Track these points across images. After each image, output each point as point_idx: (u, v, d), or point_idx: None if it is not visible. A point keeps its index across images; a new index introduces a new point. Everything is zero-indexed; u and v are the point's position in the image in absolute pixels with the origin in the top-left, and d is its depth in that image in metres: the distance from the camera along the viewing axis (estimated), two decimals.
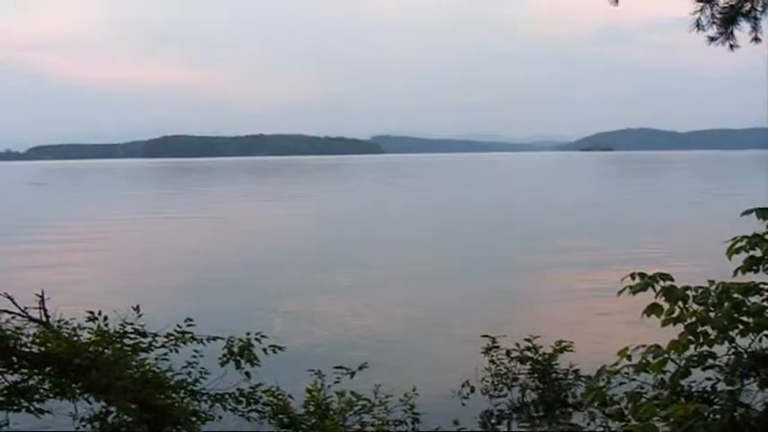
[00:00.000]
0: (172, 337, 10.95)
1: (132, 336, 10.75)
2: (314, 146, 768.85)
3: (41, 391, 10.62)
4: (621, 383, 7.92)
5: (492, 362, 18.89)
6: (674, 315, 7.98)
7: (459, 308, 29.32)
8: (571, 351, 18.44)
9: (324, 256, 45.69)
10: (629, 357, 7.82)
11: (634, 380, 7.88)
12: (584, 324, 25.45)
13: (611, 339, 20.15)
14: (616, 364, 7.83)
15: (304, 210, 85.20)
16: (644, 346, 7.89)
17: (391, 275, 37.80)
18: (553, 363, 18.39)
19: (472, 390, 18.83)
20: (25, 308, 10.77)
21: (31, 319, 10.76)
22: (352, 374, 14.18)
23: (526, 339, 18.70)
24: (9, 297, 10.89)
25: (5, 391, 10.50)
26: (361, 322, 27.12)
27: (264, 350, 11.64)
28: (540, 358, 18.46)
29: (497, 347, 18.92)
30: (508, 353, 18.74)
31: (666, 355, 7.69)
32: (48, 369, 10.45)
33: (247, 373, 11.46)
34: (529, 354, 18.57)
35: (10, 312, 10.69)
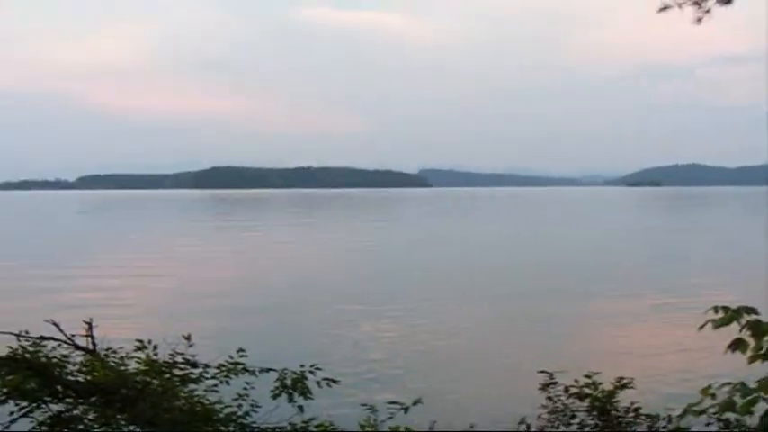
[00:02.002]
0: (223, 368, 10.49)
1: (182, 366, 10.32)
2: (362, 178, 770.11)
3: (86, 421, 10.26)
4: (708, 424, 7.39)
5: (549, 398, 18.24)
6: (763, 351, 7.43)
7: (514, 341, 28.87)
8: (632, 388, 17.79)
9: (377, 287, 45.45)
10: (713, 396, 7.28)
11: (719, 420, 7.34)
12: (644, 359, 24.84)
13: (673, 375, 19.50)
14: (700, 402, 7.29)
15: (356, 242, 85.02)
16: (729, 383, 7.35)
17: (446, 308, 37.43)
18: (613, 400, 17.74)
19: (528, 427, 18.18)
20: (72, 335, 10.47)
21: (78, 347, 10.48)
22: (406, 410, 13.63)
23: (585, 375, 18.05)
24: (56, 324, 10.61)
25: (49, 421, 10.16)
26: (416, 355, 26.74)
27: (318, 383, 11.16)
28: (599, 395, 17.81)
29: (555, 383, 18.30)
30: (566, 389, 18.10)
31: (757, 395, 7.13)
32: (93, 399, 10.11)
33: (300, 407, 10.97)
34: (588, 390, 17.93)
35: (56, 340, 10.41)
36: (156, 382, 9.98)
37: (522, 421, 18.43)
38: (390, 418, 13.62)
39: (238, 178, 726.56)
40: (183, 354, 10.36)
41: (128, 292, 44.56)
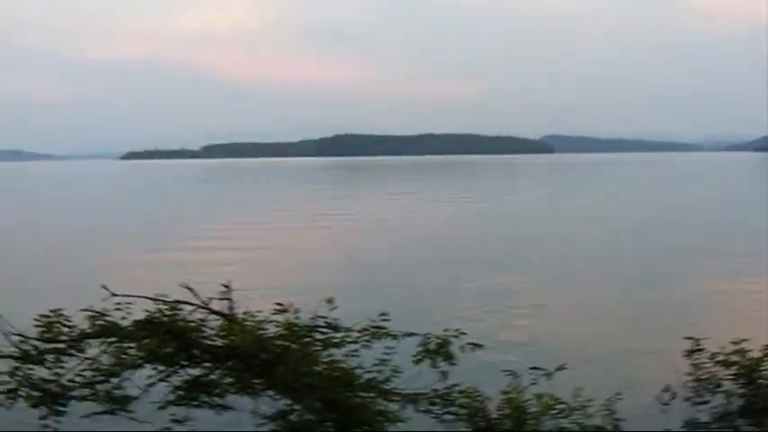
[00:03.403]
0: (366, 333, 10.14)
1: (323, 330, 10.01)
2: (483, 145, 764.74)
3: (223, 386, 10.12)
4: None
5: (694, 365, 17.49)
6: None
7: (658, 308, 28.13)
8: None
9: (515, 255, 44.87)
10: None
11: None
12: None
13: None
14: None
15: (487, 209, 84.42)
16: None
17: (587, 274, 36.84)
18: (761, 368, 16.89)
19: (674, 396, 17.45)
20: (209, 299, 10.24)
21: (214, 312, 10.26)
22: (550, 376, 13.09)
23: (732, 342, 17.24)
24: (190, 288, 10.43)
25: (185, 385, 10.10)
26: (557, 322, 26.27)
27: (462, 348, 10.69)
28: (746, 362, 17.00)
29: (701, 350, 17.53)
30: (712, 356, 17.33)
31: None
32: (230, 363, 9.96)
33: (443, 373, 10.53)
34: (734, 358, 17.13)
35: (192, 304, 10.23)
36: (295, 346, 9.70)
37: (666, 389, 17.74)
38: (533, 384, 13.13)
39: (361, 145, 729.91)
40: (324, 317, 10.05)
41: (263, 257, 44.90)
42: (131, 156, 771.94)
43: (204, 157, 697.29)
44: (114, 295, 10.35)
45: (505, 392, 12.60)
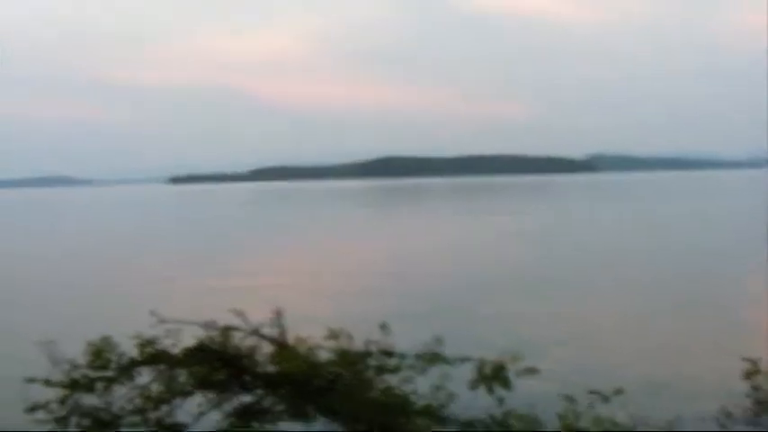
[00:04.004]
0: (420, 358, 9.94)
1: (377, 355, 9.85)
2: (526, 165, 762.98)
3: (275, 412, 9.97)
4: None
5: (754, 388, 17.14)
6: None
7: (717, 325, 27.63)
8: None
9: (569, 277, 44.37)
10: None
11: None
12: None
13: None
14: None
15: (541, 230, 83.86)
16: None
17: (643, 296, 36.29)
18: None
19: (733, 419, 17.13)
20: (260, 324, 10.15)
21: (265, 337, 10.13)
22: (607, 399, 12.80)
23: None
24: (240, 314, 10.29)
25: (237, 412, 9.92)
26: (613, 344, 25.94)
27: (518, 373, 10.45)
28: None
29: (758, 371, 17.16)
30: None
31: None
32: (283, 390, 9.81)
33: (500, 398, 10.30)
34: None
35: (242, 330, 10.11)
36: (348, 372, 9.55)
37: (725, 412, 17.39)
38: (591, 408, 12.85)
39: (404, 168, 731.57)
40: (378, 343, 9.88)
41: (314, 281, 44.78)
42: (179, 180, 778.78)
43: (251, 180, 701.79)
44: (163, 321, 10.31)
45: (562, 417, 12.34)
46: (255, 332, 10.08)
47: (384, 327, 10.01)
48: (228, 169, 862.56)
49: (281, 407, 9.96)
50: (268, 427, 10.00)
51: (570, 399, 12.76)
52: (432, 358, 9.95)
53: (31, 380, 9.86)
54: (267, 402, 9.98)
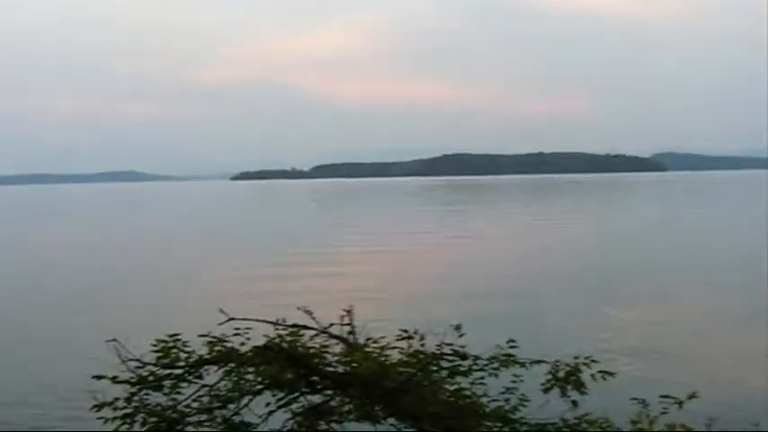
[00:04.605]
0: (494, 360, 9.71)
1: (450, 357, 9.63)
2: (593, 163, 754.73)
3: (343, 413, 9.82)
4: None
5: None
6: None
7: None
8: None
9: (645, 280, 43.35)
10: None
11: None
12: None
13: None
14: None
15: (605, 229, 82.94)
16: None
17: (720, 301, 35.60)
18: None
19: None
20: (330, 324, 10.00)
21: (334, 337, 10.00)
22: (681, 404, 12.46)
23: None
24: (309, 312, 10.19)
25: (305, 412, 9.81)
26: (688, 348, 25.43)
27: (592, 376, 10.17)
28: None
29: None
30: None
31: None
32: (352, 390, 9.63)
33: (573, 402, 10.03)
34: None
35: (312, 329, 9.98)
36: (420, 374, 9.36)
37: None
38: (664, 413, 12.51)
39: (468, 165, 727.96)
40: (451, 344, 9.66)
41: (384, 280, 44.38)
42: (243, 176, 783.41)
43: (313, 177, 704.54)
44: (232, 319, 10.21)
45: (635, 422, 12.03)
46: (324, 331, 9.94)
47: (457, 327, 9.81)
48: (288, 166, 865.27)
49: (349, 407, 9.80)
50: (336, 427, 9.87)
51: (643, 403, 12.47)
52: (504, 361, 9.74)
53: (99, 377, 9.84)
54: (336, 402, 9.84)
